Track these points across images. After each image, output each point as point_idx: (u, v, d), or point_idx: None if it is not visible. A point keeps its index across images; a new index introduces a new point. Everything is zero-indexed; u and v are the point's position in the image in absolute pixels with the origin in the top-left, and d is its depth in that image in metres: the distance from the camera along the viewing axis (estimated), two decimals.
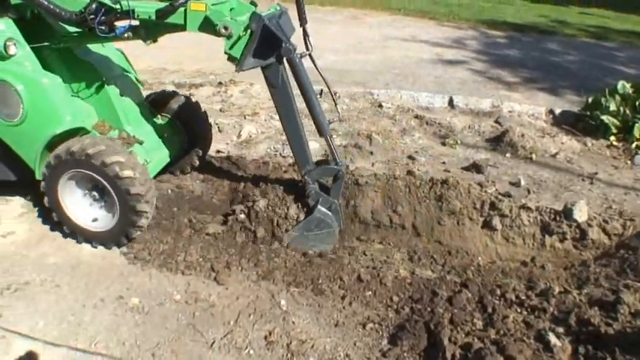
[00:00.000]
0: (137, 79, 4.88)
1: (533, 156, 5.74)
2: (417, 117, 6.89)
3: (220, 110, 7.14)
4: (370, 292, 3.73)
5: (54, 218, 4.28)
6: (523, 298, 3.49)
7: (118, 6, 3.67)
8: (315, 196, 4.25)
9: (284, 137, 6.13)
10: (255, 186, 4.73)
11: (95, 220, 4.20)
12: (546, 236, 4.32)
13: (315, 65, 4.13)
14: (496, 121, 6.77)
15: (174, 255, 4.15)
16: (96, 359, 3.29)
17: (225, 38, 3.63)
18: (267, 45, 3.70)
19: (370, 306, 3.62)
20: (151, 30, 3.87)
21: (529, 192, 4.85)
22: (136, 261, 4.13)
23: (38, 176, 4.13)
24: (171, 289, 3.82)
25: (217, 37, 3.63)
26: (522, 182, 5.03)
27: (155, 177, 4.68)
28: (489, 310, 3.39)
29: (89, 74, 4.36)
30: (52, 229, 4.54)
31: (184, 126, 5.01)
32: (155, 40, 4.02)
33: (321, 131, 4.16)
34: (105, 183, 3.89)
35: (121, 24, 3.74)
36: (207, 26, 3.64)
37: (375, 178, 4.74)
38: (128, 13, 3.67)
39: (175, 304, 3.67)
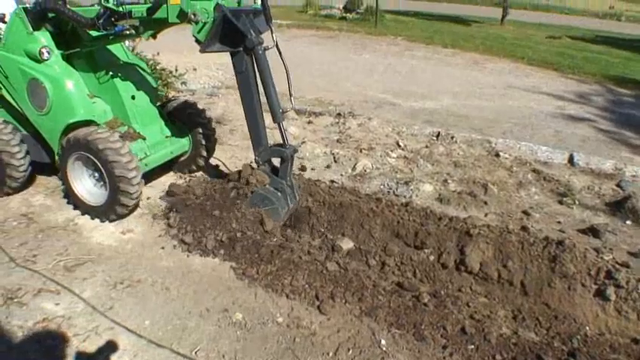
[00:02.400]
0: (155, 87, 5.85)
1: None
2: (534, 171, 6.74)
3: (337, 141, 7.30)
4: (473, 347, 3.67)
5: (170, 224, 5.04)
6: None
7: (120, 9, 4.63)
8: (268, 175, 5.02)
9: (399, 175, 6.23)
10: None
11: (92, 195, 5.16)
12: None
13: (280, 55, 4.80)
14: (618, 185, 6.50)
15: (281, 277, 4.30)
16: None
17: (194, 23, 4.43)
18: (232, 35, 4.49)
19: None
20: (146, 26, 4.83)
21: None
22: (244, 277, 4.32)
23: (57, 158, 5.25)
24: (274, 311, 3.94)
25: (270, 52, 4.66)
26: None
27: (157, 168, 5.72)
28: None
29: (108, 80, 5.32)
30: (166, 234, 4.91)
31: (190, 130, 5.95)
32: (154, 37, 5.09)
33: (274, 117, 4.79)
34: (99, 165, 4.83)
35: (120, 23, 4.73)
36: (182, 15, 4.45)
37: (488, 229, 4.69)
38: (126, 14, 4.64)
39: (277, 326, 3.78)
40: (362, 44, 16.49)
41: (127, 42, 5.82)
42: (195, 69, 11.01)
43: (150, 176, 5.90)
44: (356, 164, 6.49)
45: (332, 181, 5.94)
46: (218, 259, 4.58)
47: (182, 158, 6.09)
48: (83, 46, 5.21)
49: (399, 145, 7.32)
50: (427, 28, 22.03)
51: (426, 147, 7.36)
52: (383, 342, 3.70)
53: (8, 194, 5.53)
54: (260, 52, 4.59)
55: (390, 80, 11.68)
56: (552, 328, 4.02)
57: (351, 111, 8.44)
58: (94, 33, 5.10)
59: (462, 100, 10.33)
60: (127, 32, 4.86)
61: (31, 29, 4.99)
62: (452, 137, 7.68)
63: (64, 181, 5.21)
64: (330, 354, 3.55)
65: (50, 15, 5.03)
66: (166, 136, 5.76)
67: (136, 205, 5.22)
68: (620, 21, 34.57)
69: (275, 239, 4.83)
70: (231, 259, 4.56)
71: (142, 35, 4.93)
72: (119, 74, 5.35)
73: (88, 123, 5.08)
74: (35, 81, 5.03)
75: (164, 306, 3.94)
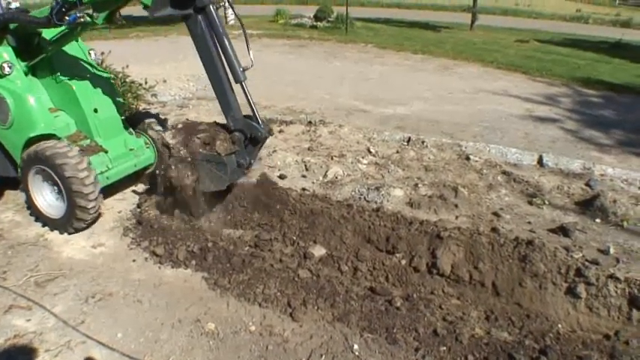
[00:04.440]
0: (119, 99, 5.83)
1: (625, 223, 5.53)
2: (504, 173, 6.81)
3: (308, 149, 7.31)
4: (445, 348, 3.69)
5: (142, 236, 5.00)
6: None
7: None
8: (237, 143, 4.75)
9: (370, 181, 6.25)
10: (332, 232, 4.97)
11: (52, 208, 5.18)
12: (634, 310, 4.12)
13: (233, 11, 5.02)
14: (587, 184, 6.58)
15: (253, 286, 4.31)
16: None
17: None
18: None
19: None
20: (98, 8, 4.44)
21: (618, 261, 4.67)
22: (215, 287, 4.33)
23: (19, 171, 5.22)
24: (247, 319, 3.95)
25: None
26: (611, 250, 4.85)
27: (120, 181, 5.57)
28: None
29: (70, 93, 5.21)
30: (138, 246, 4.93)
31: (154, 141, 5.86)
32: (111, 21, 4.66)
33: (236, 77, 4.54)
34: (57, 178, 4.88)
35: (72, 12, 4.42)
36: None
37: (459, 232, 4.73)
38: (77, 1, 4.34)
39: (250, 335, 3.79)
40: (332, 52, 16.54)
41: (93, 55, 5.76)
42: (165, 80, 10.97)
43: (119, 188, 5.86)
44: (327, 171, 6.49)
45: (303, 189, 5.94)
46: (190, 269, 4.58)
47: (149, 170, 5.99)
48: (46, 51, 5.11)
49: (370, 152, 7.35)
50: (397, 34, 22.15)
51: (397, 152, 7.40)
52: (355, 347, 3.71)
53: None
54: (213, 10, 4.42)
55: (360, 87, 11.71)
56: (525, 327, 4.05)
57: (322, 119, 8.45)
58: (51, 33, 5.06)
59: (433, 105, 10.41)
60: (82, 20, 4.54)
61: None
62: (422, 142, 7.72)
63: (26, 193, 5.26)
64: None
65: (11, 26, 5.02)
66: (130, 149, 5.67)
67: (95, 219, 5.22)
68: (588, 23, 35.11)
69: (247, 248, 4.83)
70: (203, 270, 4.57)
71: (97, 22, 4.55)
72: (82, 86, 5.29)
73: (49, 137, 5.06)
74: None
75: (136, 318, 3.94)
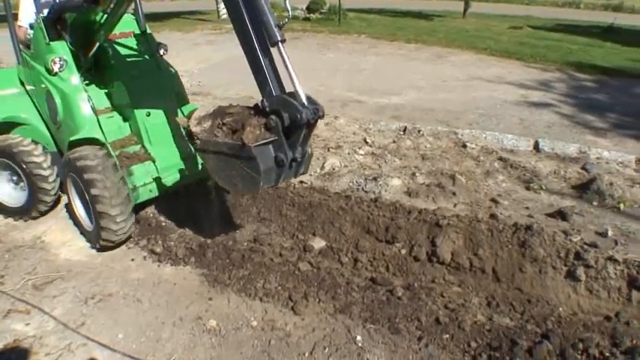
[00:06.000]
0: (184, 104, 5.25)
1: (622, 206, 5.55)
2: (501, 159, 6.82)
3: None
4: (447, 336, 3.69)
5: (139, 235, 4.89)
6: (607, 354, 3.38)
7: None
8: (273, 131, 3.32)
9: (367, 172, 6.25)
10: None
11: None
12: (633, 291, 4.12)
13: None
14: (583, 168, 6.60)
15: (253, 281, 4.29)
16: None
17: None
18: None
19: (447, 350, 3.59)
20: None
21: (616, 243, 4.70)
22: (216, 284, 4.31)
23: None
24: (248, 315, 3.94)
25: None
26: (609, 233, 4.87)
27: (169, 191, 5.03)
28: None
29: (124, 95, 4.86)
30: (136, 245, 4.90)
31: None
32: None
33: (271, 37, 3.26)
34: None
35: None
36: None
37: (458, 219, 4.73)
38: None
39: (252, 330, 3.78)
40: (326, 44, 16.50)
41: (162, 50, 5.30)
42: None
43: None
44: (324, 163, 6.49)
45: (301, 182, 5.93)
46: (189, 267, 4.56)
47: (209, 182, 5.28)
48: (98, 37, 4.63)
49: (367, 142, 7.34)
50: (390, 24, 22.13)
51: (394, 142, 7.39)
52: (358, 338, 3.71)
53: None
54: None
55: (355, 78, 11.69)
56: (526, 311, 4.06)
57: None
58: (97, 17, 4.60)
59: (427, 93, 10.41)
60: None
61: (48, 39, 4.77)
62: (419, 131, 7.72)
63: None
64: (306, 354, 3.56)
65: (68, 19, 4.70)
66: (184, 158, 5.05)
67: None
68: (580, 8, 35.18)
69: (246, 243, 4.82)
70: (203, 267, 4.55)
71: None
72: (137, 86, 4.89)
73: (91, 141, 4.70)
74: (49, 94, 4.86)
75: (137, 318, 3.91)
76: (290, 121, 3.25)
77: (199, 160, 4.99)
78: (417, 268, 4.54)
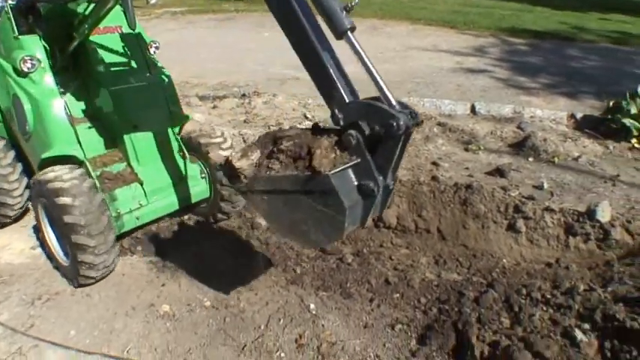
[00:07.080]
0: (172, 110, 4.48)
1: (556, 159, 5.77)
2: (439, 124, 6.96)
3: (245, 121, 7.26)
4: (398, 295, 3.79)
5: None
6: (549, 296, 3.52)
7: None
8: (354, 151, 2.43)
9: None
10: None
11: None
12: (570, 237, 4.34)
13: None
14: (518, 127, 6.81)
15: (203, 262, 4.28)
16: None
17: None
18: None
19: (398, 308, 3.68)
20: None
21: (552, 195, 4.89)
22: (165, 269, 4.23)
23: None
24: (200, 296, 3.91)
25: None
26: (545, 185, 5.06)
27: (160, 219, 4.55)
28: (516, 308, 3.44)
29: (106, 103, 4.20)
30: None
31: (210, 168, 4.55)
32: None
33: (337, 27, 2.47)
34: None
35: None
36: None
37: (400, 184, 4.82)
38: None
39: (206, 310, 3.76)
40: (261, 23, 16.29)
41: (154, 49, 4.51)
42: None
43: None
44: None
45: None
46: (136, 256, 4.45)
47: (202, 205, 4.77)
48: (79, 34, 4.00)
49: (307, 117, 7.36)
50: None
51: None
52: (312, 306, 3.75)
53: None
54: None
55: (292, 55, 11.49)
56: (472, 266, 4.23)
57: (255, 90, 8.37)
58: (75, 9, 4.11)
59: None
60: None
61: (17, 33, 3.97)
62: None
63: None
64: (262, 327, 3.57)
65: (42, 10, 4.05)
66: (178, 179, 4.41)
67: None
68: None
69: (193, 225, 4.80)
70: (150, 254, 4.47)
71: None
72: (121, 93, 4.15)
73: (67, 159, 3.96)
74: (17, 99, 4.02)
75: (88, 313, 3.78)
76: (383, 133, 2.32)
77: (195, 183, 4.49)
78: (364, 235, 4.62)
